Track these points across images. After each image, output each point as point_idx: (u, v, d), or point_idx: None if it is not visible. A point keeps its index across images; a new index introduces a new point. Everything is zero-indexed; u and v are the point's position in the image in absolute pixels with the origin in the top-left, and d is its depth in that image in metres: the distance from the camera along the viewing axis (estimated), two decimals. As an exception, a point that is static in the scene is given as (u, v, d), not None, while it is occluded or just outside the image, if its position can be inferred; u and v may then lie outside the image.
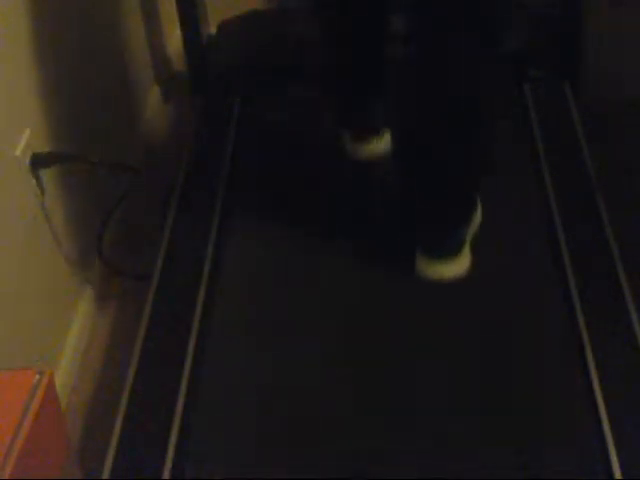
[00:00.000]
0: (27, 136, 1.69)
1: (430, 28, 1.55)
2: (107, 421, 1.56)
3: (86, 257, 1.96)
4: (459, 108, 1.58)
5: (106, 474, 1.45)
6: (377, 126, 1.97)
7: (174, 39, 2.65)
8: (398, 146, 1.79)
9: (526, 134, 2.06)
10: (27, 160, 1.69)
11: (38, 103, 1.76)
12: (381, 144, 1.97)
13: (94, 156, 1.87)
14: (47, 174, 1.75)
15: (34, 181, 1.71)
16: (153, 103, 2.49)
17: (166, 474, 1.45)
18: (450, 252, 1.71)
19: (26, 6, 1.70)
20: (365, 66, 1.90)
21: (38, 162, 1.71)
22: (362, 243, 1.81)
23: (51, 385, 1.24)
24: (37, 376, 1.23)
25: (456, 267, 1.72)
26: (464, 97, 1.58)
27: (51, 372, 1.25)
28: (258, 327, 1.69)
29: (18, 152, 1.66)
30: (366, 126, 1.97)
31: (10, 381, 1.23)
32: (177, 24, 2.40)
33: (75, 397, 1.81)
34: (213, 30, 2.46)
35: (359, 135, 1.97)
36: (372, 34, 1.85)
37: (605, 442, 1.45)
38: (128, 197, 1.95)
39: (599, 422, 1.48)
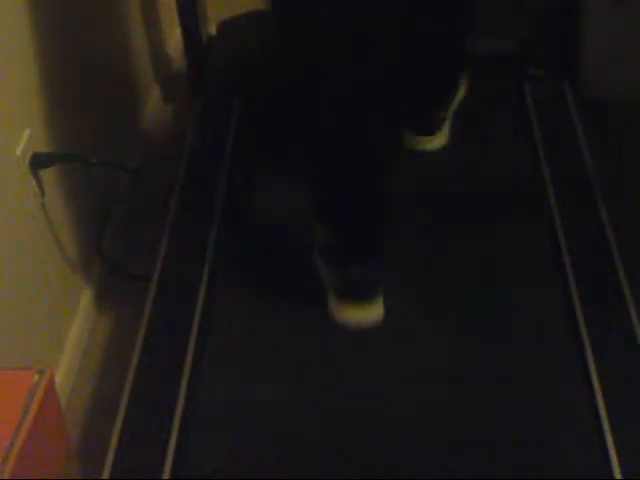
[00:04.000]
0: (27, 136, 1.68)
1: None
2: (107, 421, 1.56)
3: (86, 257, 1.96)
4: None
5: (106, 474, 1.45)
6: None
7: (174, 39, 2.65)
8: None
9: (526, 134, 2.06)
10: (27, 160, 1.69)
11: (38, 103, 1.76)
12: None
13: (94, 156, 1.87)
14: (47, 174, 1.75)
15: (34, 181, 1.71)
16: (153, 103, 2.49)
17: (166, 474, 1.45)
18: (433, 130, 1.97)
19: (26, 6, 1.70)
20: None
21: (38, 162, 1.71)
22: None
23: (51, 385, 1.24)
24: (37, 376, 1.23)
25: (438, 141, 1.97)
26: None
27: (51, 372, 1.25)
28: (258, 326, 1.69)
29: (18, 152, 1.66)
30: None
31: (10, 381, 1.23)
32: (177, 24, 2.40)
33: (75, 397, 1.81)
34: (213, 30, 2.46)
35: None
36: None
37: (605, 442, 1.45)
38: (128, 197, 1.95)
39: (599, 422, 1.48)
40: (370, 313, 1.63)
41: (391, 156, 1.61)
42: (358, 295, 1.62)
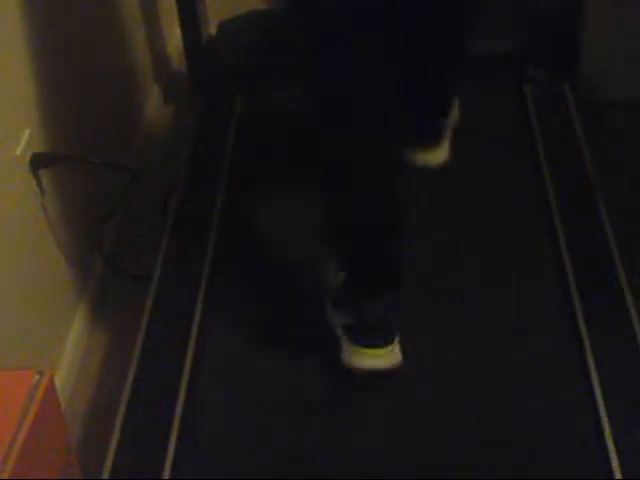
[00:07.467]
0: (27, 136, 1.68)
1: None
2: (107, 422, 1.56)
3: (86, 257, 1.96)
4: None
5: (106, 474, 1.45)
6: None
7: (174, 39, 2.65)
8: None
9: (526, 134, 2.06)
10: (27, 160, 1.69)
11: (38, 103, 1.75)
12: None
13: (94, 156, 1.87)
14: (47, 174, 1.75)
15: (34, 181, 1.71)
16: (153, 103, 2.49)
17: (166, 474, 1.45)
18: (431, 142, 1.92)
19: (26, 6, 1.70)
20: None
21: (38, 162, 1.71)
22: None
23: (51, 385, 1.24)
24: (37, 376, 1.23)
25: (437, 155, 1.93)
26: None
27: (51, 373, 1.25)
28: (258, 327, 1.69)
29: (18, 152, 1.66)
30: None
31: (10, 381, 1.23)
32: (177, 24, 2.40)
33: (75, 398, 1.81)
34: (213, 30, 2.46)
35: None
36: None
37: (605, 442, 1.45)
38: (128, 197, 1.95)
39: (599, 421, 1.48)
40: (387, 359, 1.53)
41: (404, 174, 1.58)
42: (374, 340, 1.52)
